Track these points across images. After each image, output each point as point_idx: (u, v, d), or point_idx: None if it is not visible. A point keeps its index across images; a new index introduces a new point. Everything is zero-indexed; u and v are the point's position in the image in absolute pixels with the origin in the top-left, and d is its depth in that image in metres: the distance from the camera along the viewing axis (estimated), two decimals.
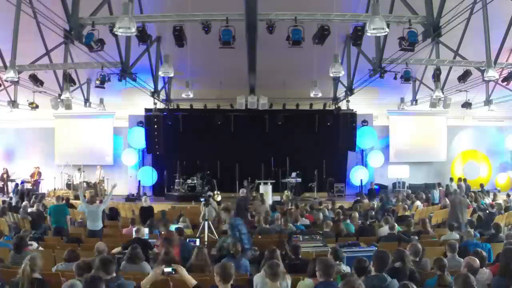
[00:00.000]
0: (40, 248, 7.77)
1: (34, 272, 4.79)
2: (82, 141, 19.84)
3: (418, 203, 14.26)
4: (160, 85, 17.03)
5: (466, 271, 4.72)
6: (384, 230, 8.80)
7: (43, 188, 19.05)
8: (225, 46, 9.98)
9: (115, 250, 7.47)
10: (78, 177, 18.53)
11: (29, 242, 7.59)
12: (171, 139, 18.62)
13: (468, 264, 4.90)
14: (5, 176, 18.97)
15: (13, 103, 15.53)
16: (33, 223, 11.39)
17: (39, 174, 18.84)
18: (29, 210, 12.30)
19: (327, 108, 18.94)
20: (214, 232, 9.19)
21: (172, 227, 8.39)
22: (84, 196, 15.12)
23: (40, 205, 12.74)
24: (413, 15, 9.63)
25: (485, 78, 11.61)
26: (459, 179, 17.96)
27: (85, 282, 4.08)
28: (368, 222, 10.23)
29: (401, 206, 12.95)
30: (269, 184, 17.09)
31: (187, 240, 8.02)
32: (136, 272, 5.81)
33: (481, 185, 17.76)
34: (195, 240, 8.26)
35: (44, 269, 5.92)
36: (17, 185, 18.14)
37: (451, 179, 18.04)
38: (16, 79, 11.38)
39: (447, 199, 14.55)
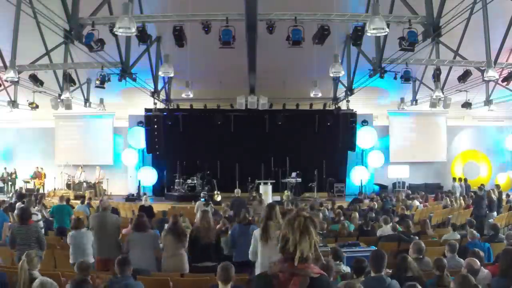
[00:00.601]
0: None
1: (32, 270, 4.77)
2: (82, 141, 19.86)
3: (417, 203, 14.26)
4: (160, 85, 17.03)
5: (466, 272, 4.71)
6: (384, 230, 8.79)
7: (43, 188, 19.07)
8: (225, 46, 9.99)
9: (125, 231, 7.59)
10: (79, 175, 18.54)
11: (34, 212, 7.75)
12: (171, 139, 18.62)
13: (469, 265, 4.88)
14: (13, 176, 19.01)
15: (13, 103, 15.53)
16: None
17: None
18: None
19: (327, 108, 18.94)
20: None
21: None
22: (85, 197, 15.17)
23: (40, 205, 12.72)
24: (413, 15, 9.63)
25: (485, 78, 11.61)
26: (460, 179, 17.94)
27: (71, 284, 4.09)
28: (368, 223, 10.19)
29: (401, 206, 12.94)
30: (269, 184, 17.10)
31: None
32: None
33: (480, 187, 17.48)
34: None
35: (45, 268, 5.93)
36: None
37: (454, 179, 17.99)
38: (16, 79, 11.38)
39: (447, 199, 14.58)
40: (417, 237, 7.78)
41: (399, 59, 11.33)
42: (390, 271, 5.23)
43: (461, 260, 5.91)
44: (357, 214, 11.02)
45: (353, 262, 4.89)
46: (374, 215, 11.68)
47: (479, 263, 4.94)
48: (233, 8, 9.82)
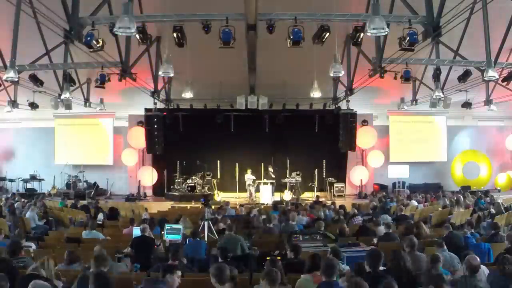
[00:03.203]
0: (40, 248, 7.74)
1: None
2: (82, 141, 19.86)
3: (415, 203, 14.25)
4: (160, 85, 17.03)
5: (467, 272, 4.72)
6: (382, 230, 8.79)
7: (43, 188, 19.09)
8: (225, 46, 9.98)
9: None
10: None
11: (28, 244, 7.55)
12: (171, 139, 18.63)
13: (469, 263, 4.86)
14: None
15: (13, 103, 15.55)
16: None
17: None
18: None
19: (327, 108, 18.93)
20: (214, 232, 9.20)
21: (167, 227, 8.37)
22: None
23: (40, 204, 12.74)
24: (413, 15, 9.63)
25: (485, 78, 11.58)
26: None
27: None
28: (367, 222, 10.21)
29: (400, 206, 12.94)
30: (269, 184, 17.11)
31: (187, 240, 8.02)
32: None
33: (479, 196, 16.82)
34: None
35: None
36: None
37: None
38: (16, 79, 11.35)
39: (446, 200, 14.58)
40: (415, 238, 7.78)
41: (399, 59, 11.32)
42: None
43: (452, 254, 6.05)
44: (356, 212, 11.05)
45: (355, 266, 4.94)
46: (374, 213, 11.71)
47: (479, 260, 4.92)
48: (233, 8, 9.82)
